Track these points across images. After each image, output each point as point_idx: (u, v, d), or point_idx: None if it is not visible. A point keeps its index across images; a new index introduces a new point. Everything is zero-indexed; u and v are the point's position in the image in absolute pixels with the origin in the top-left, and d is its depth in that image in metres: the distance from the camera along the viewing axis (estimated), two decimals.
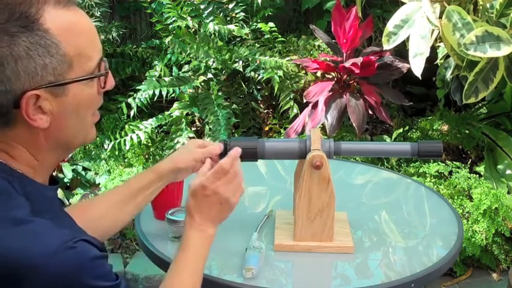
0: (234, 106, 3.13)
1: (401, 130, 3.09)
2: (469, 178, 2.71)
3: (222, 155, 1.37)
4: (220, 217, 1.16)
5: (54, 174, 1.03)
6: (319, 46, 3.27)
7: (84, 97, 0.92)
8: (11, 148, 0.92)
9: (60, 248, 0.84)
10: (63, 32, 0.87)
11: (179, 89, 3.06)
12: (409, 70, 2.47)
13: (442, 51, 2.62)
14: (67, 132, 0.93)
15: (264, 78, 3.04)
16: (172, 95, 3.05)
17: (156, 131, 3.21)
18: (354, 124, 2.68)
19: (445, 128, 3.06)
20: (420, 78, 2.30)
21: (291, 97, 3.06)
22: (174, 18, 3.13)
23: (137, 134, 3.00)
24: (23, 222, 0.85)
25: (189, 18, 3.17)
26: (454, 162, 2.84)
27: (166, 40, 3.12)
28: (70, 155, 3.07)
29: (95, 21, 3.13)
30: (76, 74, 0.89)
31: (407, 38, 2.32)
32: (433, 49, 2.52)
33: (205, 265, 1.13)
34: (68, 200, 2.90)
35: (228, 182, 1.15)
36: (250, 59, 3.05)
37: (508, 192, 2.69)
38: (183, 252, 1.11)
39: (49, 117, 0.89)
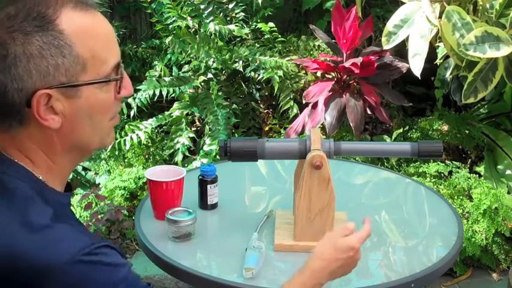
0: (234, 106, 3.13)
1: (401, 130, 3.09)
2: (469, 178, 2.71)
3: (223, 154, 1.38)
4: (332, 277, 1.15)
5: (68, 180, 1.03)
6: (319, 46, 3.27)
7: (99, 101, 0.92)
8: (29, 151, 0.92)
9: (79, 254, 0.84)
10: (77, 33, 0.88)
11: (179, 89, 3.06)
12: (409, 70, 2.47)
13: (441, 51, 2.61)
14: (81, 135, 0.93)
15: (264, 78, 3.04)
16: (172, 95, 3.05)
17: (156, 131, 3.21)
18: (351, 124, 2.68)
19: (445, 128, 3.06)
20: (420, 78, 2.30)
21: (291, 97, 3.06)
22: (174, 18, 3.13)
23: (137, 134, 3.00)
24: (44, 228, 0.86)
25: (189, 18, 3.16)
26: (454, 162, 2.84)
27: (167, 40, 3.12)
28: None
29: None
30: (90, 77, 0.90)
31: (407, 38, 2.32)
32: (433, 49, 2.52)
33: None
34: None
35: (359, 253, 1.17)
36: (250, 59, 3.05)
37: (508, 192, 2.69)
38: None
39: (61, 118, 0.90)
